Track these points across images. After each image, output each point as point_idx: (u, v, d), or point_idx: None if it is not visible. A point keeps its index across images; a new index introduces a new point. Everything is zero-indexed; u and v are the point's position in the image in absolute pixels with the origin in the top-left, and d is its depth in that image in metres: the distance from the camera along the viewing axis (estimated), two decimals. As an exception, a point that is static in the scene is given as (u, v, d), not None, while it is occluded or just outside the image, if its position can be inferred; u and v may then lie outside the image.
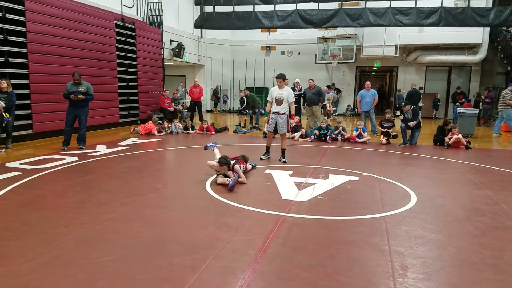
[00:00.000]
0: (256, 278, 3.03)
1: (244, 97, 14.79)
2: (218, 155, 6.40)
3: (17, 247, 3.52)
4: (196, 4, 18.77)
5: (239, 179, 5.94)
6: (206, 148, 7.02)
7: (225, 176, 5.96)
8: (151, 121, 12.15)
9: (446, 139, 10.24)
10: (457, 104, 17.69)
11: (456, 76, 21.09)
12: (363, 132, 11.01)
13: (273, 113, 7.86)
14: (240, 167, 6.12)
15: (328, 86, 18.57)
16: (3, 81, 8.63)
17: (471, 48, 19.35)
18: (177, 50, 18.44)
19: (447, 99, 20.69)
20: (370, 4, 16.81)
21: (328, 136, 10.97)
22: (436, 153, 9.45)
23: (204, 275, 3.05)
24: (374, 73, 24.34)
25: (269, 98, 8.00)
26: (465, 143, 9.99)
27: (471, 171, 7.40)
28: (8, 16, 9.49)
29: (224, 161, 5.93)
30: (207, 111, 22.16)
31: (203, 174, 6.42)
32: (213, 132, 12.43)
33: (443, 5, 15.73)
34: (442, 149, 10.03)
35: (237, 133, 12.74)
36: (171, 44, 18.31)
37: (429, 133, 11.91)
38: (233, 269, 3.16)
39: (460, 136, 10.09)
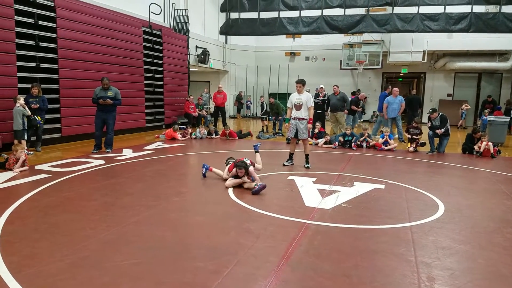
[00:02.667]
0: (278, 285, 3.00)
1: (265, 103, 14.85)
2: (219, 171, 6.64)
3: (46, 248, 3.61)
4: (221, 11, 18.95)
5: (246, 181, 6.01)
6: (203, 175, 6.82)
7: (237, 177, 6.06)
8: (171, 129, 12.20)
9: (476, 147, 9.95)
10: (485, 112, 17.18)
11: (486, 83, 20.53)
12: (389, 139, 10.82)
13: (293, 118, 7.86)
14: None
15: (354, 93, 18.35)
16: (35, 87, 8.93)
17: (502, 55, 18.83)
18: (202, 56, 18.65)
19: (477, 106, 20.15)
20: (397, 10, 16.54)
21: (353, 143, 10.82)
22: (465, 162, 9.19)
23: (226, 280, 3.05)
24: (401, 79, 23.97)
25: (289, 105, 7.98)
26: (492, 152, 9.68)
27: (502, 181, 7.15)
28: (40, 22, 9.81)
29: (243, 164, 6.00)
30: (230, 117, 22.29)
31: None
32: (236, 138, 12.47)
33: (473, 11, 15.33)
34: (471, 157, 9.74)
35: (260, 138, 12.74)
36: (196, 50, 18.55)
37: (458, 141, 11.60)
38: (256, 276, 3.14)
39: (490, 144, 9.78)
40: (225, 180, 6.27)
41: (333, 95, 12.63)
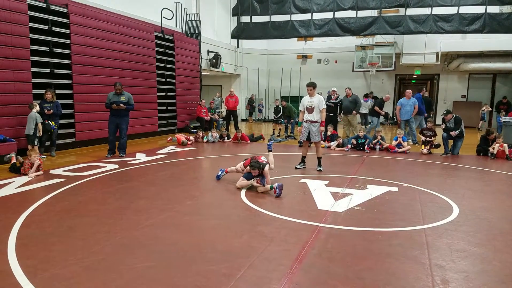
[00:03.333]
0: (291, 289, 2.99)
1: (280, 107, 14.83)
2: (233, 167, 6.67)
3: (61, 251, 3.66)
4: (233, 15, 19.06)
5: (257, 186, 6.00)
6: (218, 177, 6.88)
7: (249, 178, 6.08)
8: (182, 134, 12.22)
9: (491, 149, 9.80)
10: (502, 113, 16.92)
11: (501, 84, 20.23)
12: (403, 141, 10.72)
13: (306, 121, 7.86)
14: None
15: (366, 95, 18.25)
16: (48, 92, 9.07)
17: (517, 55, 18.54)
18: (214, 60, 18.75)
19: (491, 108, 19.85)
20: (410, 11, 16.43)
21: (366, 146, 10.75)
22: (480, 163, 9.06)
23: (239, 283, 3.05)
24: (414, 81, 23.75)
25: (301, 108, 8.03)
26: (507, 153, 9.53)
27: (518, 183, 7.03)
28: (54, 29, 9.97)
29: (257, 165, 5.98)
30: (242, 120, 22.33)
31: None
32: (248, 141, 12.48)
33: (488, 11, 15.14)
34: (486, 159, 9.60)
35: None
36: (208, 54, 18.66)
37: (473, 143, 11.44)
38: (269, 279, 3.13)
39: (505, 145, 9.63)
40: (239, 172, 6.40)
41: (346, 98, 12.58)
